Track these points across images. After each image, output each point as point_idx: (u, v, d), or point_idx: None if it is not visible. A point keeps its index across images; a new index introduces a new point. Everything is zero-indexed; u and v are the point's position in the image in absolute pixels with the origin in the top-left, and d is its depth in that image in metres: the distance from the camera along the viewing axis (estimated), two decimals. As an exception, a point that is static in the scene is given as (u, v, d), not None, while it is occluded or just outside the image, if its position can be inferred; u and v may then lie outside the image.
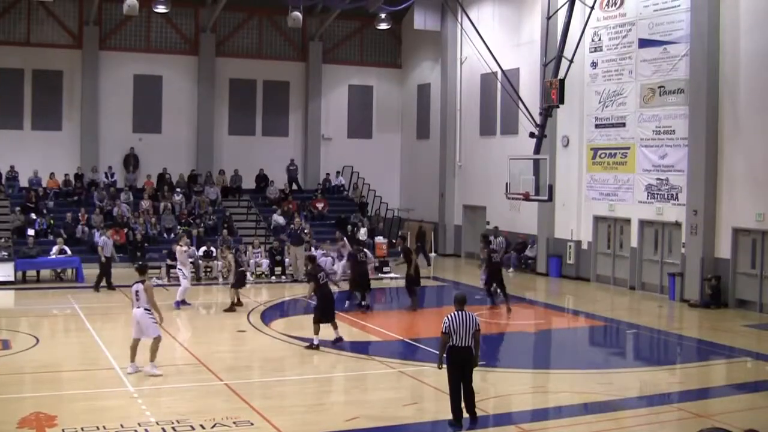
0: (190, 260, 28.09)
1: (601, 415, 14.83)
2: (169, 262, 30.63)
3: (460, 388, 13.75)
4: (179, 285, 25.36)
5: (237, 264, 25.54)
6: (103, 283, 28.26)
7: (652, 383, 17.69)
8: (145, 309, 16.84)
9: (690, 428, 13.82)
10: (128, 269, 31.97)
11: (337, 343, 19.70)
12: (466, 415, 13.78)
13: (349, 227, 35.56)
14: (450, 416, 13.80)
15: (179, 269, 25.85)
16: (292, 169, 41.68)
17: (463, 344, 13.61)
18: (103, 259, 28.20)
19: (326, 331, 19.50)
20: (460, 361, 13.69)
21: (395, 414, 14.69)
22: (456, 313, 13.73)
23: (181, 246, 26.06)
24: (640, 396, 16.63)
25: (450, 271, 35.24)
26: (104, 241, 28.50)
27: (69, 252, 30.32)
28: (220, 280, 30.71)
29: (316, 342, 19.49)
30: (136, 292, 16.96)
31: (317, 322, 19.53)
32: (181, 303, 24.99)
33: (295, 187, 41.39)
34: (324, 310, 19.62)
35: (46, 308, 25.48)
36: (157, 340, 16.87)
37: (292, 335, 21.19)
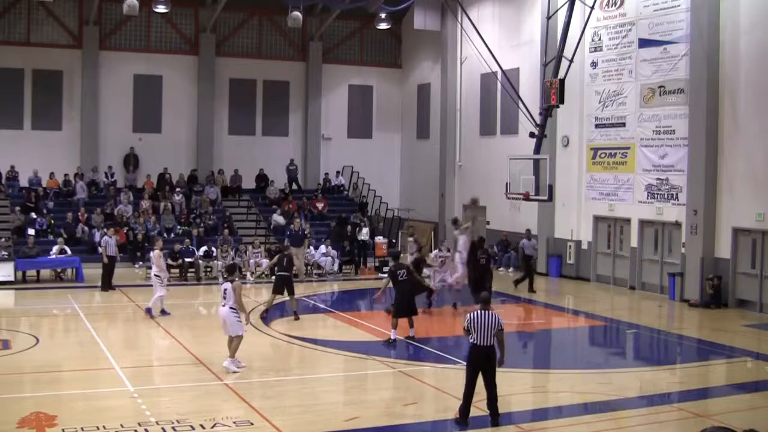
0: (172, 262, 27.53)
1: (601, 414, 14.83)
2: (169, 261, 30.63)
3: (474, 387, 13.84)
4: (180, 284, 25.12)
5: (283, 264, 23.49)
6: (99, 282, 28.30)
7: (652, 383, 17.69)
8: (231, 308, 17.04)
9: (690, 428, 13.83)
10: (128, 269, 32.14)
11: (408, 340, 20.48)
12: (478, 413, 13.79)
13: (349, 227, 35.51)
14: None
15: (156, 276, 23.63)
16: (291, 169, 41.68)
17: (483, 343, 13.74)
18: (105, 259, 28.08)
19: (332, 331, 19.46)
20: (480, 360, 13.81)
21: (395, 414, 14.68)
22: (479, 311, 13.92)
23: (158, 250, 24.17)
24: (641, 396, 16.63)
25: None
26: (106, 241, 28.32)
27: (69, 252, 30.32)
28: (220, 279, 30.65)
29: (393, 336, 20.24)
30: (225, 290, 17.14)
31: (395, 316, 20.48)
32: (162, 312, 23.51)
33: (294, 187, 41.40)
34: (399, 307, 20.44)
35: (46, 308, 25.48)
36: (239, 338, 17.16)
37: (292, 335, 21.18)
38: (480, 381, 13.80)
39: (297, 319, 23.36)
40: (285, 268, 23.70)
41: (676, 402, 15.96)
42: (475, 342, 13.76)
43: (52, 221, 34.07)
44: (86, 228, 33.85)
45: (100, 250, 28.96)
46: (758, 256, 26.07)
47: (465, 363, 14.33)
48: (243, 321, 17.28)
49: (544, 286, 30.26)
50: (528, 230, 31.84)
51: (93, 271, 29.57)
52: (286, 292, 23.56)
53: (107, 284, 28.01)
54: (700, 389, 17.22)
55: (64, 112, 38.91)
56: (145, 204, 36.08)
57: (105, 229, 30.48)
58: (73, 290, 28.04)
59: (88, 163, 38.46)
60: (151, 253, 24.31)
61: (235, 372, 16.94)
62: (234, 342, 17.15)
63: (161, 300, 23.64)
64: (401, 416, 14.53)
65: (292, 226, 32.96)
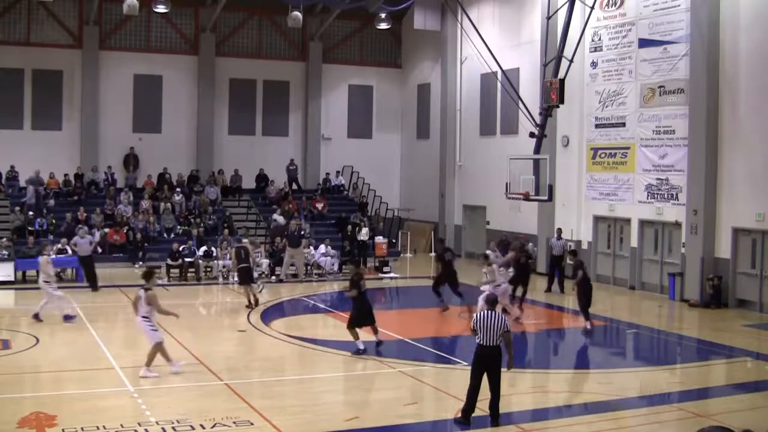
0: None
1: (601, 414, 14.83)
2: (169, 261, 30.66)
3: (479, 387, 13.87)
4: (180, 284, 24.93)
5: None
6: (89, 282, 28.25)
7: (653, 383, 17.69)
8: (143, 317, 16.70)
9: (690, 428, 13.81)
10: (129, 269, 32.21)
11: (378, 347, 19.62)
12: (478, 413, 13.79)
13: (350, 227, 35.45)
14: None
15: (45, 282, 22.79)
16: (291, 169, 41.67)
17: (489, 344, 13.77)
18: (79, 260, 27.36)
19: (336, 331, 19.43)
20: (486, 360, 13.84)
21: (395, 414, 14.68)
22: (485, 312, 13.93)
23: (45, 256, 23.25)
24: (641, 396, 16.63)
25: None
26: (77, 240, 27.86)
27: (69, 252, 30.23)
28: (220, 279, 30.68)
29: (362, 347, 19.08)
30: (138, 299, 16.81)
31: (351, 327, 19.29)
32: (66, 317, 22.75)
33: (294, 186, 41.38)
34: (358, 317, 19.34)
35: (46, 308, 25.39)
36: (156, 347, 16.70)
37: (292, 335, 21.18)
38: (484, 382, 13.82)
39: (250, 307, 24.51)
40: (244, 260, 25.01)
41: (676, 402, 15.96)
42: (481, 342, 13.79)
43: (54, 221, 34.02)
44: (86, 228, 33.77)
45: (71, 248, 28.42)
46: (758, 256, 26.07)
47: (470, 363, 14.30)
48: (156, 328, 16.80)
49: (545, 286, 30.18)
50: (559, 229, 31.47)
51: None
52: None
53: (93, 284, 27.47)
54: (700, 389, 17.22)
55: (64, 112, 38.94)
56: (145, 204, 36.05)
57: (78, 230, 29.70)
58: (72, 290, 27.99)
59: (88, 162, 38.46)
60: (39, 259, 23.41)
61: (151, 377, 16.51)
62: (151, 350, 16.67)
63: (59, 306, 22.82)
64: (401, 416, 14.53)
65: (289, 226, 32.98)
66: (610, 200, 31.23)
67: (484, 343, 13.77)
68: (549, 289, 29.00)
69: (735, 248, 26.71)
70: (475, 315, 14.16)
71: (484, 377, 13.85)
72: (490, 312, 13.90)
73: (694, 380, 18.10)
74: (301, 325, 22.72)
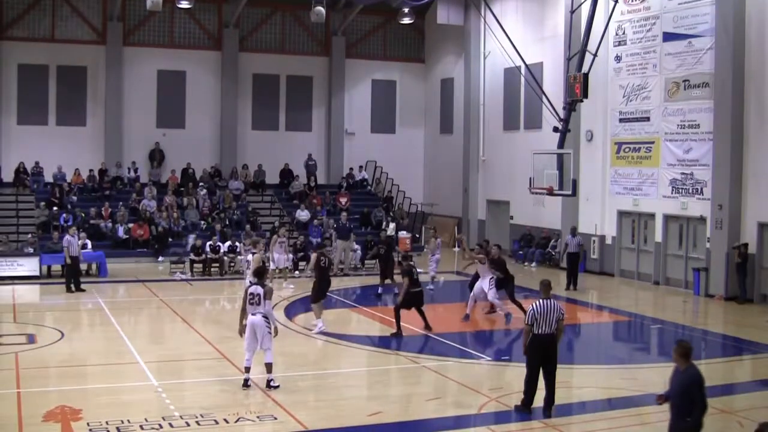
0: None
1: (625, 410, 14.77)
2: (192, 257, 30.74)
3: (538, 377, 13.89)
4: (204, 279, 24.87)
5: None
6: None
7: (677, 379, 17.57)
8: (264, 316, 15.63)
9: (715, 424, 13.72)
10: (152, 264, 32.35)
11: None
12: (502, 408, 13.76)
13: (373, 221, 35.35)
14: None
15: None
16: (311, 164, 41.62)
17: (546, 332, 13.76)
18: (68, 259, 26.98)
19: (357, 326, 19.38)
20: (543, 350, 13.82)
21: (418, 409, 14.69)
22: (541, 301, 13.90)
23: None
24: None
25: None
26: (68, 240, 27.13)
27: (90, 247, 30.26)
28: (247, 278, 30.64)
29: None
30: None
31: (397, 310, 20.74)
32: None
33: (313, 182, 41.19)
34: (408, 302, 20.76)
35: (71, 302, 25.59)
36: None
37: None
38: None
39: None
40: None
41: (700, 398, 15.82)
42: (538, 331, 13.75)
43: (84, 214, 34.12)
44: (110, 223, 33.95)
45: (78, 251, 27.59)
46: (784, 251, 25.91)
47: (526, 357, 14.26)
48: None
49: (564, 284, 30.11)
50: (573, 227, 31.31)
51: (116, 266, 29.84)
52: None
53: (76, 285, 26.82)
54: (724, 385, 17.08)
55: (88, 108, 39.15)
56: (169, 199, 36.15)
57: (68, 229, 28.94)
58: (97, 284, 28.16)
59: (112, 158, 38.64)
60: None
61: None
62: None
63: None
64: (424, 411, 14.52)
65: (340, 219, 33.10)
66: (634, 195, 31.08)
67: (541, 332, 13.74)
68: (568, 287, 28.85)
69: (760, 243, 26.51)
70: (531, 306, 14.00)
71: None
72: (545, 301, 13.89)
73: (718, 376, 17.95)
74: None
